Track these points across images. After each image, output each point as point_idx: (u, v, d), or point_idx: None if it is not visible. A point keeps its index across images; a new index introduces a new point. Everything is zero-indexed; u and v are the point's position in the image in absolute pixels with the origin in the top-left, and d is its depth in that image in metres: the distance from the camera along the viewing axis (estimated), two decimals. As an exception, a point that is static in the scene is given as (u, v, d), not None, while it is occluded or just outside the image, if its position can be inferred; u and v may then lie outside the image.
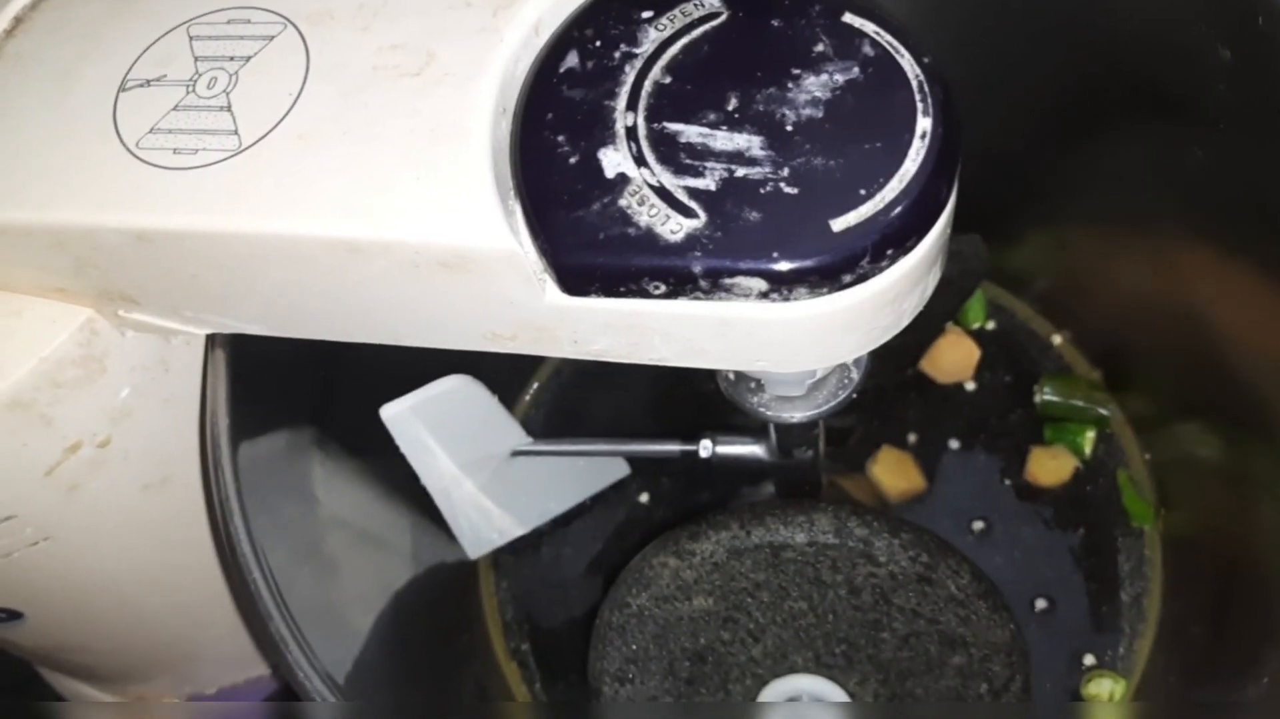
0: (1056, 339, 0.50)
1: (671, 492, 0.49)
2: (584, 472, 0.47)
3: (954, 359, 0.49)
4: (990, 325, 0.50)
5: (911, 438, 0.48)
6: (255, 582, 0.31)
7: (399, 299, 0.27)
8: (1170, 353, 0.44)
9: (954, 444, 0.48)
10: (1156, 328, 0.44)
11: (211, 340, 0.31)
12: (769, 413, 0.34)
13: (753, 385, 0.34)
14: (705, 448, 0.41)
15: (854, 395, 0.34)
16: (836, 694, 0.37)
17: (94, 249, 0.27)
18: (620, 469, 0.48)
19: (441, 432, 0.40)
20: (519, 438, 0.43)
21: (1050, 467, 0.47)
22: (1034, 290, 0.50)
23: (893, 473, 0.47)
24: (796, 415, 0.35)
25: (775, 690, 0.37)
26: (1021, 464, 0.47)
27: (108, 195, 0.27)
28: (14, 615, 0.38)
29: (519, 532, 0.47)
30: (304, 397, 0.38)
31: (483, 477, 0.44)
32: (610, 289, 0.25)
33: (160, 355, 0.33)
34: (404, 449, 0.40)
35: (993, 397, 0.49)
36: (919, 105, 0.25)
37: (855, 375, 0.34)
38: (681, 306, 0.25)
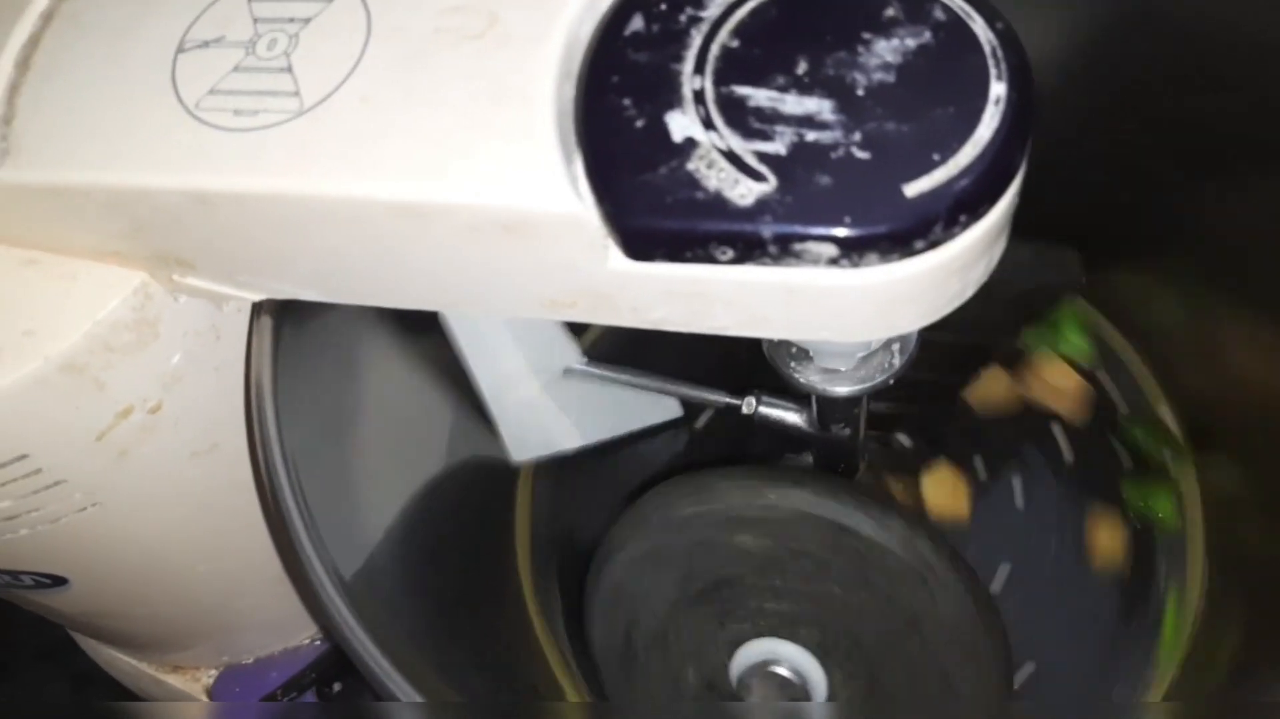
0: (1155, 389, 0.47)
1: (719, 443, 0.49)
2: (637, 404, 0.47)
3: (1054, 388, 0.47)
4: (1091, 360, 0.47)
5: (978, 462, 0.47)
6: (301, 541, 0.31)
7: (459, 264, 0.27)
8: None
9: (1016, 483, 0.46)
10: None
11: (258, 308, 0.31)
12: (805, 382, 0.34)
13: (794, 351, 0.34)
14: (748, 404, 0.41)
15: (891, 380, 0.34)
16: (816, 677, 0.36)
17: (152, 211, 0.27)
18: (673, 410, 0.48)
19: (501, 334, 0.41)
20: (575, 357, 0.44)
21: (1104, 540, 0.44)
22: (1143, 332, 0.47)
23: (941, 491, 0.46)
24: (836, 389, 0.34)
25: (761, 648, 0.37)
26: (1079, 524, 0.44)
27: (168, 156, 0.26)
28: (59, 581, 0.38)
29: (564, 445, 0.47)
30: (347, 343, 0.38)
31: (535, 386, 0.44)
32: (676, 254, 0.25)
33: (212, 322, 0.32)
34: (462, 345, 0.40)
35: (1077, 438, 0.46)
36: (992, 70, 0.25)
37: (898, 360, 0.34)
38: (748, 273, 0.25)
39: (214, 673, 0.48)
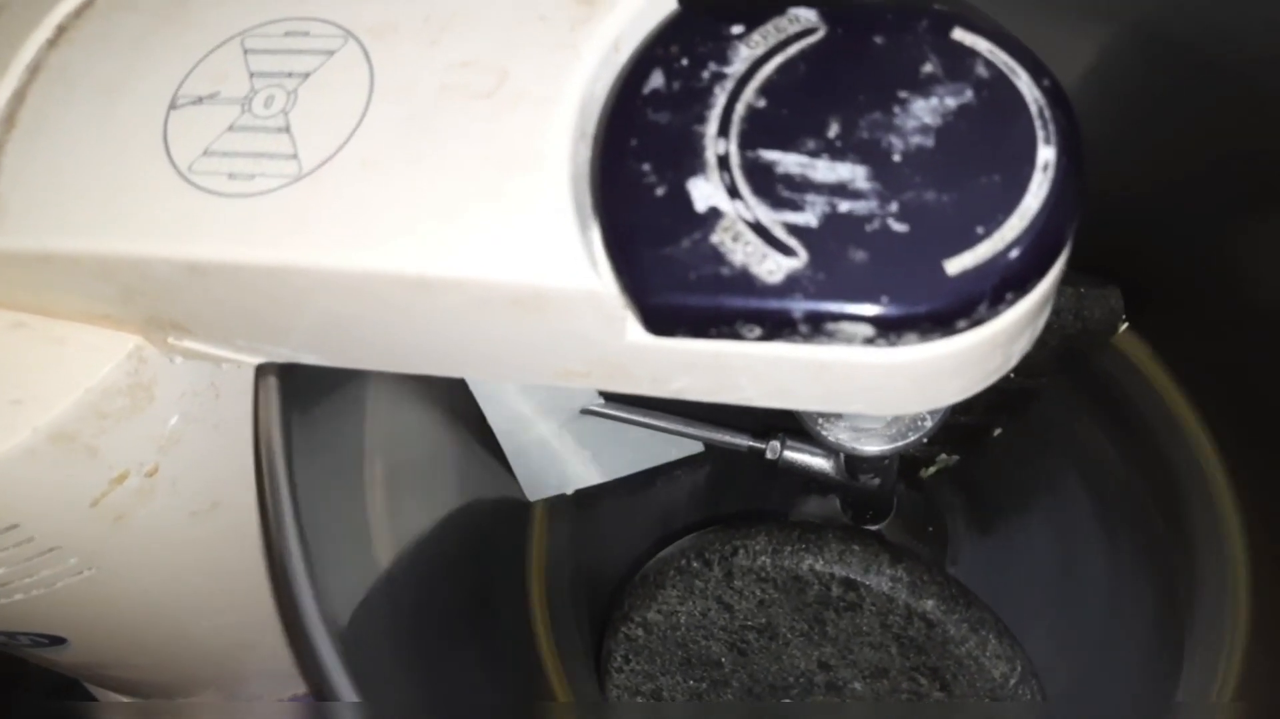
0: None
1: (740, 481, 0.47)
2: (656, 441, 0.46)
3: None
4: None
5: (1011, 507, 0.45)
6: (305, 603, 0.29)
7: (467, 335, 0.25)
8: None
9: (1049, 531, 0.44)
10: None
11: (261, 369, 0.30)
12: (832, 439, 0.33)
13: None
14: (773, 449, 0.40)
15: (924, 439, 0.32)
16: None
17: (143, 279, 0.26)
18: (693, 446, 0.47)
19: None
20: (591, 397, 0.42)
21: None
22: (1186, 374, 0.45)
23: None
24: (864, 447, 0.33)
25: None
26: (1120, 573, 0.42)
27: (158, 223, 0.25)
28: (56, 641, 0.36)
29: (580, 484, 0.46)
30: (355, 402, 0.36)
31: (551, 426, 0.43)
32: (699, 331, 0.23)
33: (210, 380, 0.31)
34: (475, 385, 0.39)
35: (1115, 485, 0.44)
36: (1039, 133, 0.23)
37: (930, 420, 0.32)
38: (776, 349, 0.23)
39: (220, 719, 0.47)
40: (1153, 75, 0.40)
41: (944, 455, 0.44)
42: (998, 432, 0.44)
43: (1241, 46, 0.37)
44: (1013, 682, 0.33)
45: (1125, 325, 0.43)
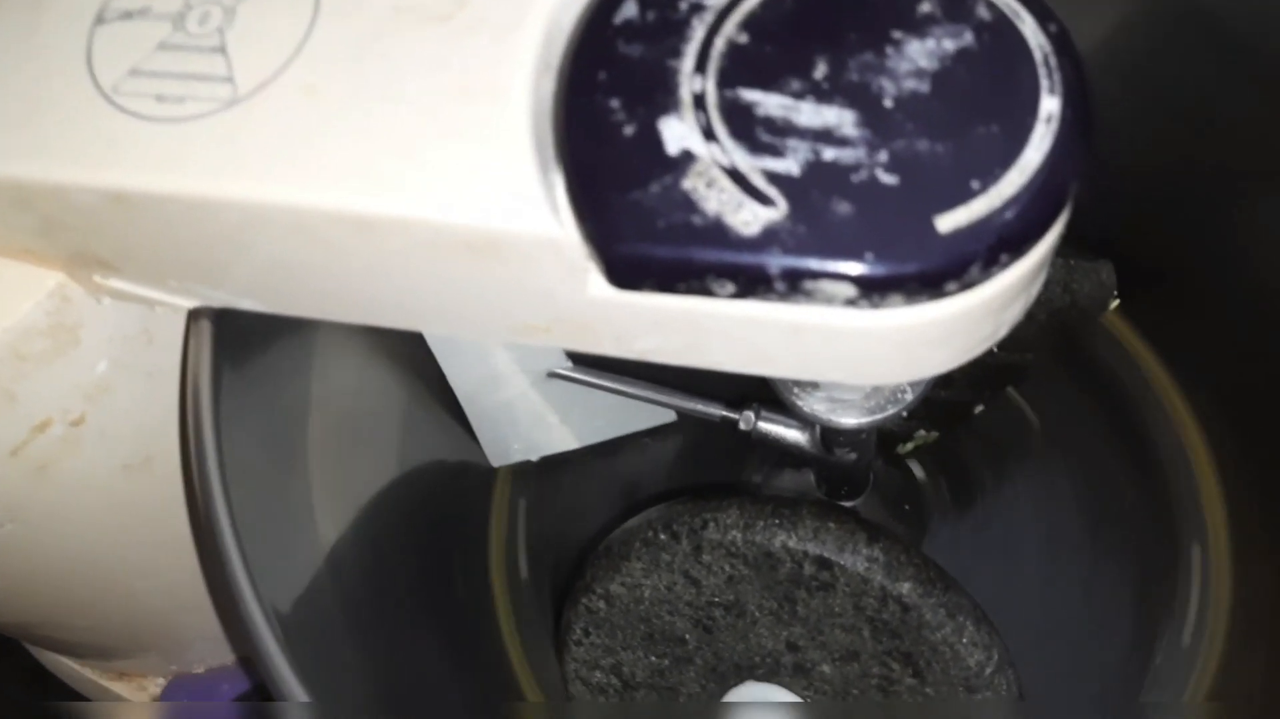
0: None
1: (712, 451, 0.45)
2: (626, 408, 0.44)
3: None
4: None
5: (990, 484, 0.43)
6: (237, 578, 0.27)
7: (415, 284, 0.23)
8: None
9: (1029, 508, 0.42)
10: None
11: (195, 312, 0.28)
12: (808, 409, 0.31)
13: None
14: (746, 419, 0.38)
15: (904, 413, 0.31)
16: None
17: (64, 209, 0.24)
18: (664, 415, 0.45)
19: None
20: (559, 360, 0.40)
21: None
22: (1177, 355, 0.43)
23: None
24: (841, 420, 0.31)
25: (754, 693, 0.34)
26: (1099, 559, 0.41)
27: (80, 148, 0.23)
28: (-20, 597, 0.34)
29: (546, 450, 0.45)
30: (298, 350, 0.34)
31: (516, 388, 0.41)
32: (667, 285, 0.21)
33: (143, 325, 0.29)
34: (435, 343, 0.38)
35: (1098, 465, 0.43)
36: (1044, 82, 0.21)
37: (910, 393, 0.31)
38: (750, 309, 0.21)
39: (162, 682, 0.45)
40: (1163, 49, 0.38)
41: (923, 432, 0.43)
42: (979, 409, 0.43)
43: (1257, 24, 0.35)
44: (988, 670, 0.31)
45: (1116, 303, 0.41)
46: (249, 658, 0.44)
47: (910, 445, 0.43)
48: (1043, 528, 0.41)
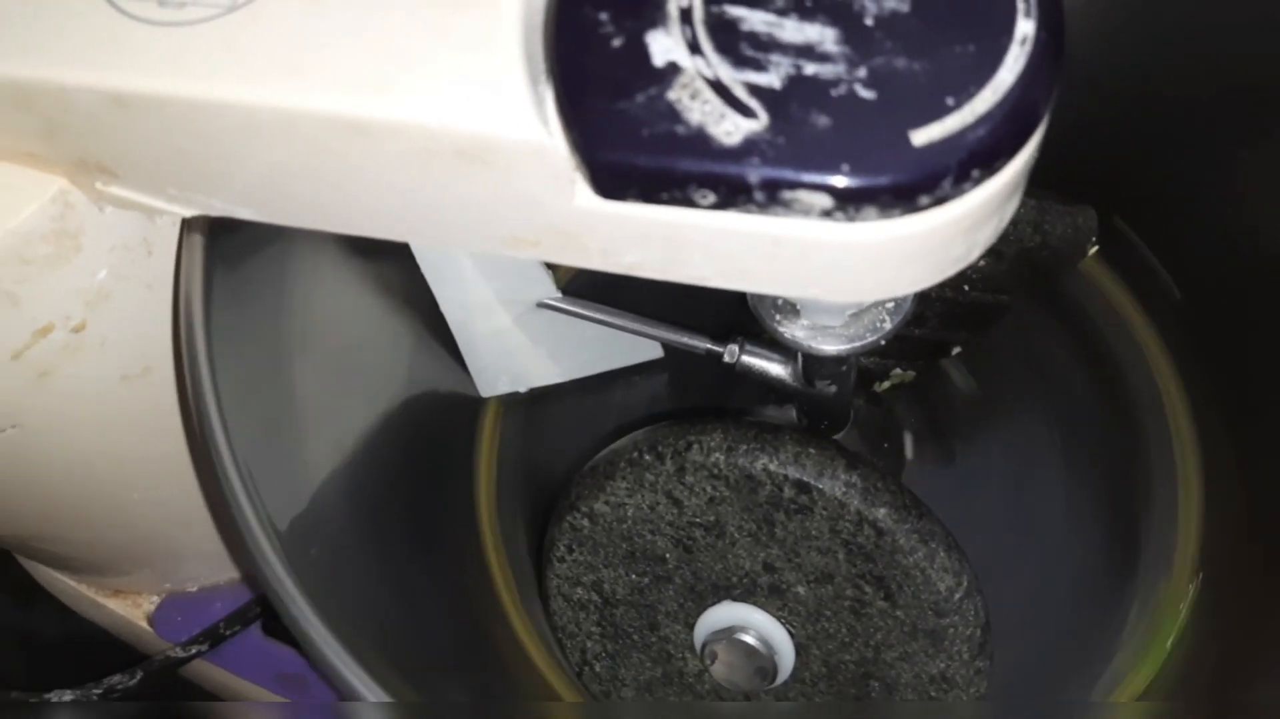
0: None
1: (697, 387, 0.46)
2: (615, 343, 0.45)
3: None
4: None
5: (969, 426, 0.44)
6: (232, 488, 0.28)
7: (408, 191, 0.24)
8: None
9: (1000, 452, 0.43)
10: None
11: (188, 224, 0.28)
12: (789, 335, 0.32)
13: (780, 304, 0.31)
14: (731, 352, 0.39)
15: (882, 341, 0.31)
16: (784, 649, 0.34)
17: (66, 111, 0.24)
18: (653, 350, 0.46)
19: (472, 263, 0.39)
20: (549, 290, 0.41)
21: None
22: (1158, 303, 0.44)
23: None
24: (821, 346, 0.32)
25: (730, 614, 0.35)
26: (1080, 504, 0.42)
27: (82, 49, 0.23)
28: (-20, 503, 0.35)
29: (536, 382, 0.45)
30: (292, 271, 0.35)
31: (506, 318, 0.42)
32: (651, 194, 0.22)
33: (143, 235, 0.30)
34: (426, 269, 0.38)
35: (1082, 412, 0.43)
36: (1020, 5, 0.22)
37: (889, 321, 0.31)
38: (730, 219, 0.22)
39: (156, 599, 0.46)
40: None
41: (899, 370, 0.44)
42: (956, 350, 0.44)
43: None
44: (957, 595, 0.32)
45: (1095, 249, 0.42)
46: (248, 572, 0.45)
47: (887, 384, 0.44)
48: (1017, 464, 0.42)
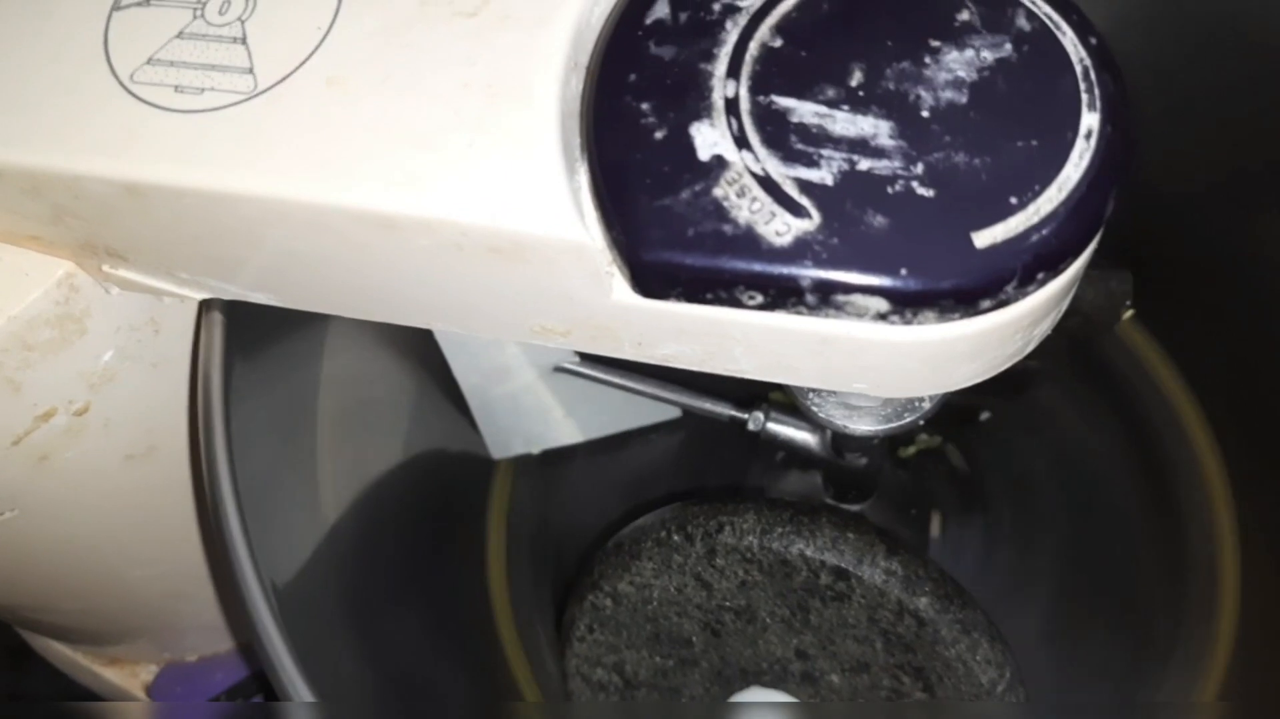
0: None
1: (716, 449, 0.45)
2: (631, 403, 0.44)
3: None
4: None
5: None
6: (241, 564, 0.27)
7: (435, 283, 0.23)
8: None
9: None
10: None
11: (206, 304, 0.27)
12: (823, 415, 0.30)
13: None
14: (755, 420, 0.37)
15: (921, 422, 0.30)
16: None
17: (76, 198, 0.23)
18: (670, 410, 0.45)
19: None
20: (566, 353, 0.40)
21: None
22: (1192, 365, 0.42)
23: None
24: (856, 427, 0.31)
25: (752, 699, 0.33)
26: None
27: (94, 137, 0.22)
28: (-24, 583, 0.34)
29: (549, 444, 0.44)
30: (308, 340, 0.33)
31: (521, 381, 0.41)
32: (694, 295, 0.21)
33: (150, 315, 0.28)
34: (440, 336, 0.38)
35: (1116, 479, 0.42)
36: (1084, 97, 0.21)
37: (928, 402, 0.30)
38: (778, 320, 0.21)
39: (154, 669, 0.44)
40: (1185, 53, 0.37)
41: (925, 436, 0.43)
42: (985, 414, 0.43)
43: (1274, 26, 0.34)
44: (1000, 688, 0.31)
45: (1130, 313, 0.41)
46: (248, 643, 0.44)
47: (913, 449, 0.43)
48: (1050, 539, 0.41)
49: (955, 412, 0.42)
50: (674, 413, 0.45)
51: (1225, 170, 0.38)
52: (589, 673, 0.35)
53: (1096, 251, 0.36)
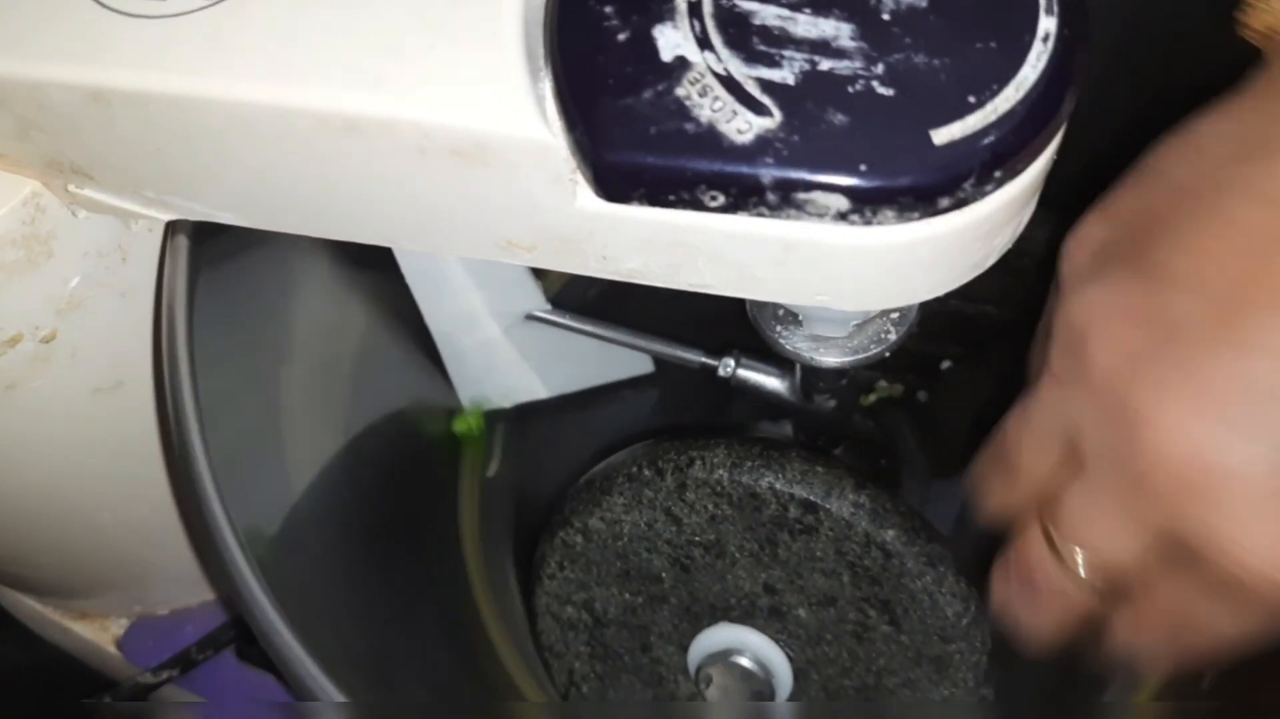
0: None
1: (690, 403, 0.45)
2: (605, 357, 0.44)
3: None
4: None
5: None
6: (210, 505, 0.27)
7: (400, 193, 0.23)
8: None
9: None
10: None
11: (172, 226, 0.27)
12: (790, 347, 0.31)
13: (781, 314, 0.30)
14: (726, 366, 0.37)
15: (887, 353, 0.30)
16: (782, 671, 0.33)
17: (40, 108, 0.23)
18: (644, 365, 0.45)
19: (456, 270, 0.37)
20: (539, 302, 0.40)
21: None
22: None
23: None
24: (823, 359, 0.31)
25: (725, 636, 0.33)
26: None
27: (58, 43, 0.22)
28: (-57, 525, 0.34)
29: (523, 397, 0.44)
30: (276, 283, 0.33)
31: (493, 330, 0.41)
32: (656, 196, 0.21)
33: (118, 242, 0.28)
34: (411, 278, 0.37)
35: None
36: (1041, 1, 0.21)
37: (894, 333, 0.30)
38: (740, 223, 0.21)
39: (125, 623, 0.44)
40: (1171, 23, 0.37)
41: (884, 383, 0.43)
42: (946, 364, 0.43)
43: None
44: (965, 621, 0.31)
45: None
46: (225, 593, 0.44)
47: (873, 397, 0.43)
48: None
49: (914, 360, 0.43)
50: (647, 368, 0.45)
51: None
52: (558, 611, 0.35)
53: (1072, 198, 0.36)
